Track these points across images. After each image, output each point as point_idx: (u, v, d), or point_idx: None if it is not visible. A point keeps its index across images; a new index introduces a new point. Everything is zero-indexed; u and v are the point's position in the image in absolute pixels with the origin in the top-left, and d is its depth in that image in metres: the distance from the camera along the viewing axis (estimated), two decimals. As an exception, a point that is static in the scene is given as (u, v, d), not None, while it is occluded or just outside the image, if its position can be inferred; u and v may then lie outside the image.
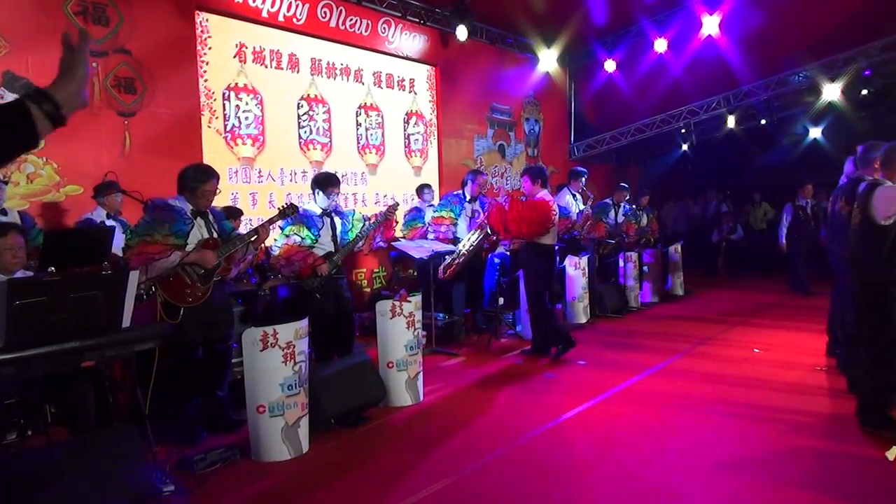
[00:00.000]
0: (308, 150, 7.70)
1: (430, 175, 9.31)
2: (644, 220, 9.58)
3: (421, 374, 5.03)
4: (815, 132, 14.02)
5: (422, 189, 7.98)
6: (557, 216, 6.06)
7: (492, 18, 9.85)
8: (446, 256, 6.70)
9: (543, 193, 6.11)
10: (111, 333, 3.22)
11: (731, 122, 12.06)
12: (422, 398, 5.00)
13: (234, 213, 5.84)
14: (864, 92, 11.03)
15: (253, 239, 4.37)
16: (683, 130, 12.07)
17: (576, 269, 7.69)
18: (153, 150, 6.13)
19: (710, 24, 9.58)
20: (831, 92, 10.46)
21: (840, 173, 5.54)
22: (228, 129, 6.88)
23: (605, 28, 10.59)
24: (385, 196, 8.59)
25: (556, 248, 6.44)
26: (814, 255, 9.46)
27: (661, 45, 10.24)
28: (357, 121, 8.33)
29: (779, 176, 14.75)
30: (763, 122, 12.38)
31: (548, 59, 10.98)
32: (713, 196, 13.87)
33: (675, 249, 10.06)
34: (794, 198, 9.38)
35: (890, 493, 3.35)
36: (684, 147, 13.82)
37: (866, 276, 4.09)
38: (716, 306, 9.25)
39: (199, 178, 4.17)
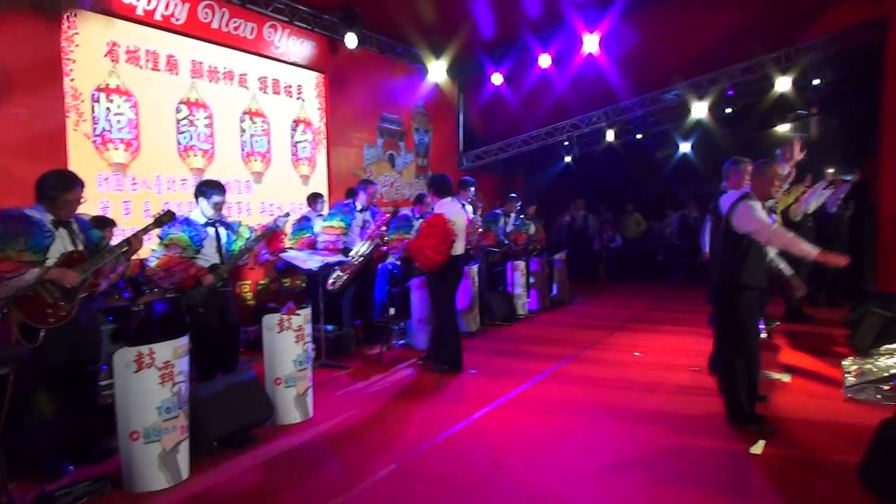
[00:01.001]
0: (188, 156, 7.31)
1: (319, 184, 9.10)
2: (532, 230, 9.84)
3: (311, 389, 4.87)
4: (685, 147, 15.02)
5: (314, 198, 7.84)
6: (456, 225, 6.02)
7: (381, 27, 9.81)
8: (336, 267, 6.55)
9: (444, 202, 6.10)
10: (-45, 359, 2.87)
11: (610, 135, 12.68)
12: (311, 414, 4.84)
13: (104, 224, 5.38)
14: (728, 110, 11.93)
15: (125, 250, 4.03)
16: (567, 143, 12.55)
17: (466, 279, 7.74)
18: (9, 154, 5.58)
19: (591, 43, 10.03)
20: (699, 110, 11.22)
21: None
22: (98, 132, 6.40)
23: (492, 41, 10.84)
24: (271, 205, 8.31)
25: (461, 257, 6.35)
26: None
27: (545, 60, 10.60)
28: (241, 127, 8.01)
29: (652, 187, 15.70)
30: (639, 136, 13.10)
31: (437, 70, 11.08)
32: (581, 206, 14.40)
33: (561, 258, 10.41)
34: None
35: (760, 486, 3.58)
36: (568, 159, 14.38)
37: (723, 276, 4.41)
38: (599, 312, 9.65)
39: (61, 186, 3.79)
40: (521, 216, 9.71)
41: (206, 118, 7.51)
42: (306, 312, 4.89)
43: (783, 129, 14.46)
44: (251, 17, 7.94)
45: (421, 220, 6.91)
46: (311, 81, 9.10)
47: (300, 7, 8.45)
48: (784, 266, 5.14)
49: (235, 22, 7.76)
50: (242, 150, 8.02)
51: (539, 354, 6.77)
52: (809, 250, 4.06)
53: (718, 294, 4.46)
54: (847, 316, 6.92)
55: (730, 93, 11.13)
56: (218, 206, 4.89)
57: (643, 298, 10.83)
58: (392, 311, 7.29)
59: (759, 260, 4.32)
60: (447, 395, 5.42)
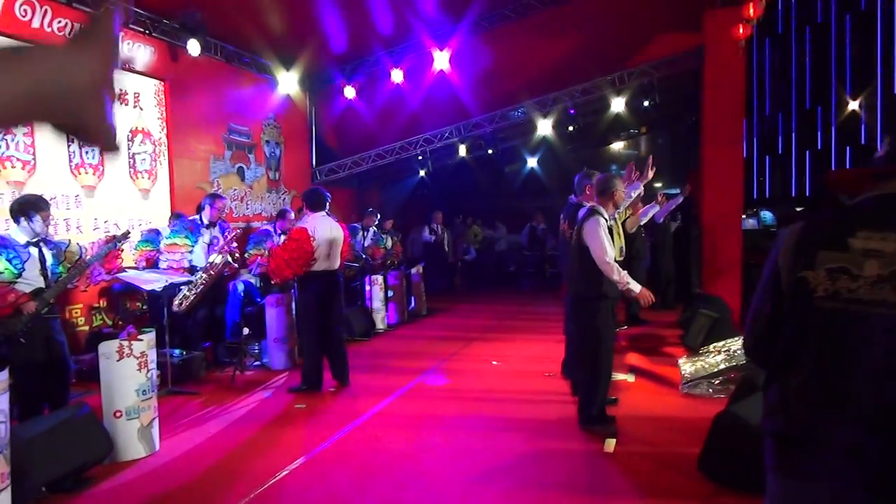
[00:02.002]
0: (4, 168, 6.53)
1: (161, 199, 8.50)
2: (389, 244, 9.84)
3: (156, 420, 4.49)
4: (532, 162, 15.80)
5: (174, 217, 7.38)
6: (324, 240, 5.82)
7: (226, 35, 9.39)
8: (182, 287, 6.12)
9: (316, 216, 5.88)
10: None
11: (462, 150, 13.00)
12: (158, 447, 4.46)
13: None
14: (570, 128, 12.67)
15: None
16: (420, 157, 12.70)
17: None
18: None
19: (441, 60, 10.24)
20: (544, 127, 11.80)
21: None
22: None
23: (344, 55, 10.74)
24: (107, 222, 7.62)
25: (333, 272, 6.10)
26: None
27: (397, 75, 10.67)
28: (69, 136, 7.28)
29: (501, 200, 16.34)
30: (490, 151, 13.55)
31: (287, 82, 10.78)
32: (439, 220, 14.63)
33: (418, 271, 10.48)
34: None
35: (615, 481, 3.76)
36: (422, 173, 14.56)
37: (578, 290, 4.62)
38: (456, 323, 9.82)
39: None
40: (378, 230, 9.68)
41: (25, 125, 6.75)
42: (149, 337, 4.50)
43: (617, 146, 15.67)
44: (78, 18, 7.27)
45: (282, 236, 6.68)
46: (149, 89, 8.48)
47: (137, 10, 7.87)
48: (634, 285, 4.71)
49: (60, 21, 7.06)
50: (70, 161, 7.30)
51: (399, 368, 6.74)
52: (634, 287, 4.38)
53: (577, 304, 4.65)
54: (679, 317, 7.54)
55: (571, 112, 11.81)
56: (41, 225, 4.39)
57: (497, 308, 11.17)
58: (246, 330, 6.95)
59: None
60: (307, 417, 5.22)
